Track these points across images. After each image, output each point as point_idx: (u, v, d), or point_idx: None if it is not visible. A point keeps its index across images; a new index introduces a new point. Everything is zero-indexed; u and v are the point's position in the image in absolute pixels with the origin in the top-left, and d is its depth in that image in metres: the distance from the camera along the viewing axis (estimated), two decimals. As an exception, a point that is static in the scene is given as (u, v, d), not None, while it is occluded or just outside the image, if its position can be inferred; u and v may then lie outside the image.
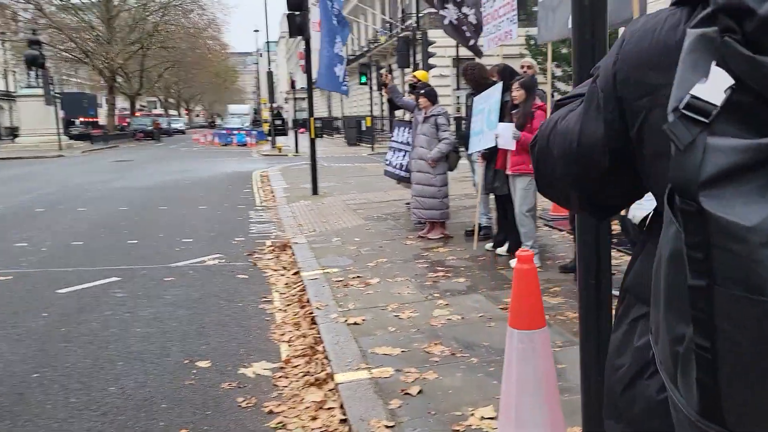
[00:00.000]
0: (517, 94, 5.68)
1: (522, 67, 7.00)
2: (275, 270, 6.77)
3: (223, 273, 6.69)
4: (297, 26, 11.19)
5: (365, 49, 37.92)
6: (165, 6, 44.78)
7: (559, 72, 21.28)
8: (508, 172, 5.91)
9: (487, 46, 7.69)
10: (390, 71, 9.29)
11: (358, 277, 5.93)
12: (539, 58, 21.03)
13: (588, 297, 1.62)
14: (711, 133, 0.79)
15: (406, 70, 27.51)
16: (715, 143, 0.78)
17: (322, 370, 3.99)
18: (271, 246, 7.91)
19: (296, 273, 6.45)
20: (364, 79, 27.85)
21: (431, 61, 20.12)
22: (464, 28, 9.29)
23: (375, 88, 29.22)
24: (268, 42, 35.27)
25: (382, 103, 35.30)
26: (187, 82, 65.18)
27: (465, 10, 9.20)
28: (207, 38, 54.91)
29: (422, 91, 7.46)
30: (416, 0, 26.64)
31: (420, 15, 26.00)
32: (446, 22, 9.54)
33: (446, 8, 9.53)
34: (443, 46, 23.91)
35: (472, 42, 9.25)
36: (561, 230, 7.51)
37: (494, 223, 7.29)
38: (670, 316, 0.84)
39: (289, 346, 4.54)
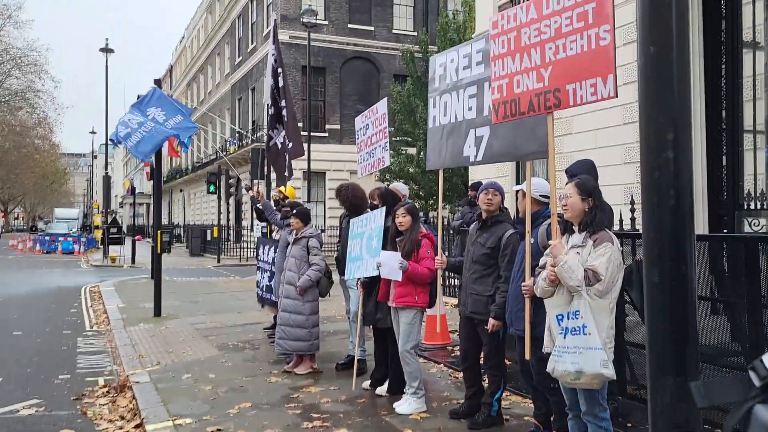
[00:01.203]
0: (403, 220, 5.30)
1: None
2: (111, 420, 5.55)
3: (40, 427, 5.36)
4: (147, 132, 10.32)
5: (213, 157, 37.12)
6: (-12, 101, 41.19)
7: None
8: (392, 304, 5.39)
9: (361, 173, 7.45)
10: (257, 186, 8.73)
11: (219, 430, 4.95)
12: (386, 175, 21.62)
13: None
14: (763, 400, 0.84)
15: (256, 181, 27.03)
16: (758, 413, 0.83)
17: None
18: (104, 386, 6.61)
19: (139, 426, 5.30)
20: (212, 188, 26.82)
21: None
22: (286, 154, 9.35)
23: (224, 197, 28.29)
24: (106, 144, 33.22)
25: (229, 212, 34.29)
26: (8, 183, 59.41)
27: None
28: (35, 137, 51.07)
29: (293, 211, 6.89)
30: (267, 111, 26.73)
31: (272, 127, 25.99)
32: (272, 143, 9.60)
33: (276, 129, 9.53)
34: (296, 159, 23.93)
35: (286, 172, 9.34)
36: (437, 362, 7.05)
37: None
38: None
39: None
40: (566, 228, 3.58)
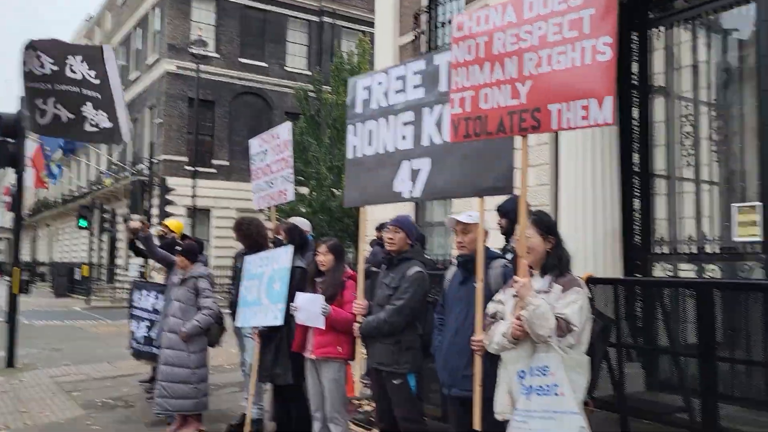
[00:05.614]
0: (325, 259, 4.65)
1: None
2: None
3: None
4: (9, 155, 9.00)
5: (86, 190, 34.46)
6: None
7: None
8: (312, 355, 4.65)
9: (258, 204, 6.60)
10: (147, 219, 7.30)
11: None
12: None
13: None
14: None
15: (135, 216, 25.13)
16: None
17: None
18: (-67, 461, 5.34)
19: None
20: (84, 223, 24.54)
21: (167, 209, 18.48)
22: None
23: (96, 233, 26.06)
24: (-39, 172, 29.92)
25: (101, 250, 31.74)
26: None
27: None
28: None
29: (179, 248, 6.02)
30: (150, 144, 25.12)
31: (156, 161, 24.42)
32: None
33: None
34: (180, 194, 22.44)
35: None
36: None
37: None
38: None
39: None
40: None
